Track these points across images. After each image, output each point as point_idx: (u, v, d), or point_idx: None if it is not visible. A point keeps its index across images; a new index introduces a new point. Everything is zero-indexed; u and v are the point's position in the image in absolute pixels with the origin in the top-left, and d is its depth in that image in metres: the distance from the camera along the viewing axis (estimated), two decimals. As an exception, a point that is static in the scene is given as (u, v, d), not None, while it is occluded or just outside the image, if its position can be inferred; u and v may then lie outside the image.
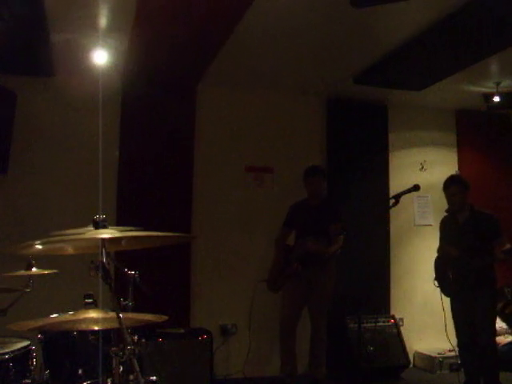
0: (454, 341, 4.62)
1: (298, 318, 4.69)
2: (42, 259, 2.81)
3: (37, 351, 2.80)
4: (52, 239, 2.02)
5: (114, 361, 2.00)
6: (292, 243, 4.83)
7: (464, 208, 4.39)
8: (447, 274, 4.40)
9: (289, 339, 4.64)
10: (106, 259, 1.88)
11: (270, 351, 5.24)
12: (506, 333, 5.55)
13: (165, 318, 2.16)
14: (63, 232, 2.50)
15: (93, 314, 2.09)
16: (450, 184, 4.47)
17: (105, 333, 2.54)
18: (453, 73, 4.83)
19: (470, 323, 4.36)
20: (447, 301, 4.61)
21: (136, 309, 2.76)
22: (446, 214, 4.65)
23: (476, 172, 6.10)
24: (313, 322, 4.68)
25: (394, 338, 5.29)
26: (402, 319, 5.64)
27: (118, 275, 2.73)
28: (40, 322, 2.08)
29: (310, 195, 4.76)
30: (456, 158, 6.15)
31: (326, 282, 4.62)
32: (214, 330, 4.75)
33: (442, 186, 6.26)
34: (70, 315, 2.14)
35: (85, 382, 2.65)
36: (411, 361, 5.43)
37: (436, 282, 4.57)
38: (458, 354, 4.56)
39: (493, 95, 5.27)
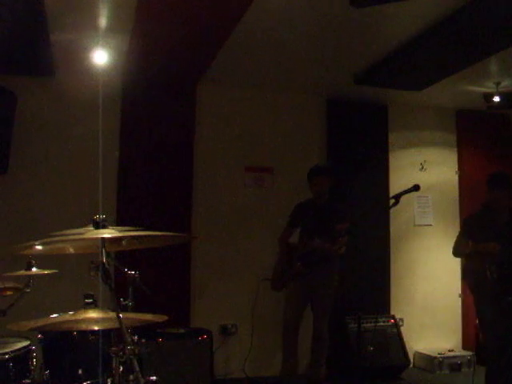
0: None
1: (301, 318, 4.69)
2: (42, 259, 2.81)
3: (37, 351, 2.80)
4: (52, 239, 2.02)
5: (114, 361, 2.00)
6: (296, 241, 4.83)
7: (504, 209, 4.10)
8: (486, 275, 3.92)
9: (291, 339, 4.64)
10: (106, 259, 1.88)
11: (271, 351, 5.25)
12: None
13: (165, 317, 2.16)
14: (63, 232, 2.50)
15: (93, 313, 2.09)
16: (496, 187, 4.13)
17: (105, 333, 2.55)
18: (453, 73, 4.83)
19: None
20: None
21: (136, 309, 2.76)
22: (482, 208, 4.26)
23: (476, 172, 6.10)
24: (315, 322, 4.66)
25: (393, 338, 5.29)
26: (402, 319, 5.64)
27: (117, 275, 2.73)
28: (40, 322, 2.08)
29: (314, 195, 4.75)
30: (456, 158, 6.15)
31: (329, 281, 4.62)
32: (214, 330, 4.75)
33: (441, 186, 6.30)
34: (69, 315, 2.14)
35: (85, 382, 2.65)
36: (411, 361, 5.43)
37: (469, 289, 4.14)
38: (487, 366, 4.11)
39: (493, 95, 5.27)
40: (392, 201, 3.92)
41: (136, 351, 1.84)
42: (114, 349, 1.95)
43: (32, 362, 2.76)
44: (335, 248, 4.47)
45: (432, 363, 5.37)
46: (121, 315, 1.82)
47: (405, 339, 5.34)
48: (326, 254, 4.51)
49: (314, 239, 4.50)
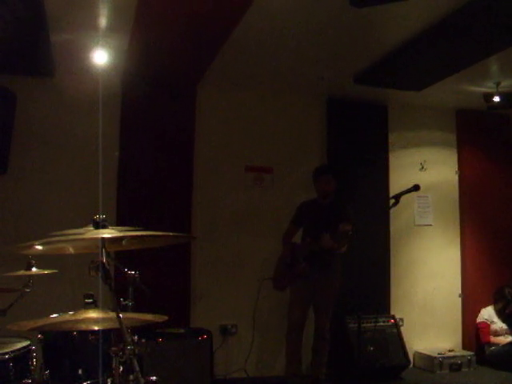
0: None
1: (306, 318, 4.67)
2: (42, 259, 2.81)
3: (37, 351, 2.80)
4: (52, 239, 2.02)
5: (114, 361, 2.00)
6: (298, 241, 4.81)
7: None
8: None
9: (297, 340, 4.61)
10: (106, 259, 1.88)
11: (272, 350, 5.25)
12: (506, 333, 5.56)
13: (165, 318, 2.16)
14: (63, 232, 2.50)
15: (93, 313, 2.09)
16: None
17: (105, 333, 2.55)
18: (453, 73, 4.83)
19: None
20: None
21: (136, 309, 2.76)
22: None
23: (476, 172, 6.10)
24: (317, 322, 4.66)
25: (394, 338, 5.29)
26: (402, 319, 5.64)
27: (117, 275, 2.73)
28: (40, 322, 2.08)
29: (320, 194, 4.71)
30: (456, 158, 6.15)
31: (332, 281, 4.61)
32: (214, 330, 4.75)
33: (441, 186, 6.29)
34: (69, 315, 2.14)
35: (85, 382, 2.65)
36: (411, 361, 5.43)
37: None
38: None
39: (493, 95, 5.27)
40: (392, 201, 3.92)
41: (136, 351, 1.83)
42: (114, 349, 1.95)
43: (32, 362, 2.75)
44: (340, 247, 4.46)
45: (432, 363, 5.37)
46: (121, 315, 1.82)
47: (405, 339, 5.34)
48: (331, 253, 4.50)
49: (323, 235, 4.45)
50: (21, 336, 2.85)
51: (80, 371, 2.70)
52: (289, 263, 4.72)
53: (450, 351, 5.54)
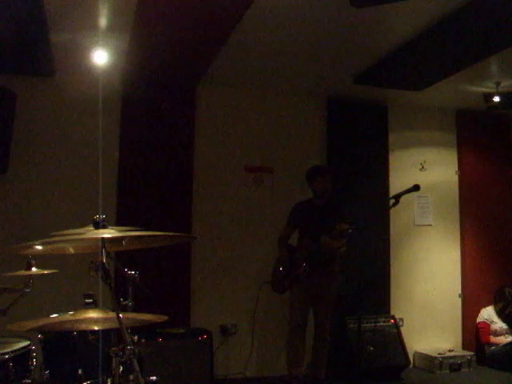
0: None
1: (307, 320, 4.65)
2: (42, 259, 2.81)
3: (37, 351, 2.80)
4: (52, 239, 2.02)
5: (113, 361, 2.00)
6: (294, 243, 4.81)
7: None
8: None
9: (299, 343, 4.58)
10: (106, 259, 1.88)
11: (271, 350, 5.25)
12: (506, 333, 5.56)
13: (165, 318, 2.16)
14: (63, 232, 2.50)
15: (93, 313, 2.09)
16: None
17: (105, 333, 2.55)
18: (453, 73, 4.83)
19: None
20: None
21: (136, 309, 2.76)
22: None
23: (476, 172, 6.11)
24: (317, 323, 4.65)
25: (393, 338, 5.28)
26: (402, 319, 5.64)
27: (117, 275, 2.73)
28: (40, 322, 2.08)
29: (318, 194, 4.68)
30: (456, 158, 6.15)
31: (333, 283, 4.60)
32: (213, 330, 4.75)
33: (441, 186, 6.30)
34: (69, 315, 2.14)
35: (85, 382, 2.65)
36: (411, 361, 5.43)
37: None
38: None
39: (493, 95, 5.27)
40: (392, 201, 3.92)
41: (136, 351, 1.83)
42: (114, 349, 1.95)
43: (32, 362, 2.75)
44: (340, 247, 4.45)
45: (432, 363, 5.37)
46: (121, 315, 1.82)
47: (405, 339, 5.33)
48: (330, 253, 4.49)
49: (323, 237, 4.44)
50: (21, 336, 2.85)
51: (80, 371, 2.70)
52: (288, 266, 4.67)
53: (450, 351, 5.54)
